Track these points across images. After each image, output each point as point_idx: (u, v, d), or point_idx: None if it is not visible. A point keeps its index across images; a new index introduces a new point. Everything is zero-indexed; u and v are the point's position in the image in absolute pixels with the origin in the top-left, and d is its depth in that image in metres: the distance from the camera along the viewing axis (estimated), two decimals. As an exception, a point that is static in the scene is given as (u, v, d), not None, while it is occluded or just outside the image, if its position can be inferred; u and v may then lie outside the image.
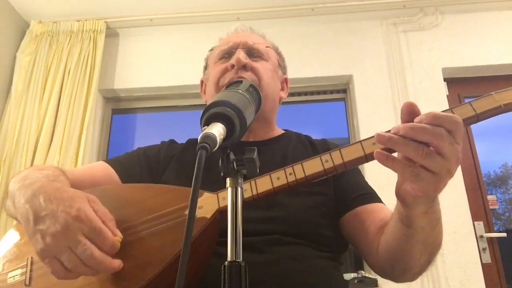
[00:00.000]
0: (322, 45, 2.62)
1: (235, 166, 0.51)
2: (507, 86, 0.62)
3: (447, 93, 2.48)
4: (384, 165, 0.56)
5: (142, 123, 2.91)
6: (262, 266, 0.72)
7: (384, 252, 0.75)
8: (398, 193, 0.60)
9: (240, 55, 0.94)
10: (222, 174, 0.51)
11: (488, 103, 0.60)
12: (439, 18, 2.60)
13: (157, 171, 0.94)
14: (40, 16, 2.70)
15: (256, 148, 0.53)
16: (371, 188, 0.93)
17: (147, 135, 2.88)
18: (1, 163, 2.32)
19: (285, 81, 1.10)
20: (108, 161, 0.94)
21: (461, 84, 2.54)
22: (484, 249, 2.19)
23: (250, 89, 0.60)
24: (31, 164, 2.30)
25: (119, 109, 2.79)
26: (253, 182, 0.68)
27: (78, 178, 0.83)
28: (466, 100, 2.56)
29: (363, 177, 0.97)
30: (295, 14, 2.66)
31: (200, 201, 0.68)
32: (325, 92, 2.71)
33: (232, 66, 0.94)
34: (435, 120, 0.51)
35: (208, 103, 0.51)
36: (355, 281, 1.83)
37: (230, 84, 0.64)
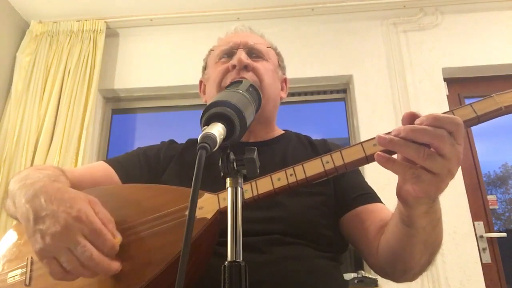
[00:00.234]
0: (322, 45, 2.62)
1: (235, 166, 0.50)
2: (507, 86, 0.62)
3: (447, 93, 2.48)
4: (385, 167, 0.56)
5: (142, 123, 2.91)
6: (262, 266, 0.72)
7: (384, 252, 0.75)
8: (400, 194, 0.60)
9: (242, 55, 0.94)
10: (222, 174, 0.51)
11: (489, 105, 0.60)
12: (439, 18, 2.60)
13: (157, 171, 0.94)
14: (40, 16, 2.70)
15: (256, 148, 0.53)
16: (371, 188, 0.93)
17: (147, 135, 2.88)
18: (1, 163, 2.32)
19: (285, 81, 1.10)
20: (108, 161, 0.94)
21: (461, 84, 2.54)
22: (484, 249, 2.19)
23: (250, 89, 0.60)
24: (31, 164, 2.30)
25: (119, 109, 2.79)
26: (253, 183, 0.68)
27: (78, 178, 0.83)
28: (466, 100, 2.56)
29: (363, 177, 0.97)
30: (295, 14, 2.66)
31: (201, 201, 0.68)
32: (325, 92, 2.71)
33: (234, 66, 0.94)
34: (435, 122, 0.51)
35: (208, 103, 0.51)
36: (355, 281, 1.83)
37: (230, 84, 0.64)
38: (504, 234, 2.23)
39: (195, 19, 2.68)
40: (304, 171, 0.66)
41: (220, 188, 0.66)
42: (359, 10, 2.63)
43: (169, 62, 2.64)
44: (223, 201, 0.67)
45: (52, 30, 2.65)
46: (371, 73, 2.52)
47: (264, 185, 0.67)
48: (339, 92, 2.70)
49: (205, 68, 1.09)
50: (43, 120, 2.41)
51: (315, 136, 1.05)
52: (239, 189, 0.49)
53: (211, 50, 1.08)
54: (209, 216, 0.66)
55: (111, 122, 2.74)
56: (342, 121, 2.64)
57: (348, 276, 1.87)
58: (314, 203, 0.84)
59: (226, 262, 0.45)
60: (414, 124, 0.53)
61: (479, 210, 2.27)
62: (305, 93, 2.69)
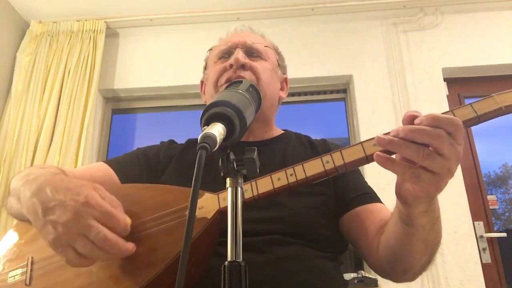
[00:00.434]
0: (322, 45, 2.62)
1: (235, 166, 0.51)
2: (507, 86, 0.62)
3: (447, 93, 2.48)
4: (384, 167, 0.56)
5: (142, 123, 2.91)
6: (262, 266, 0.72)
7: (384, 251, 0.75)
8: (399, 193, 0.60)
9: (239, 54, 0.95)
10: (222, 174, 0.51)
11: (489, 104, 0.60)
12: (439, 18, 2.60)
13: (157, 171, 0.94)
14: (40, 16, 2.70)
15: (256, 148, 0.53)
16: (371, 188, 0.93)
17: (147, 135, 2.88)
18: (1, 163, 2.32)
19: (285, 81, 1.10)
20: (107, 161, 0.94)
21: (461, 84, 2.55)
22: (484, 249, 2.19)
23: (250, 89, 0.60)
24: (31, 164, 2.30)
25: (119, 109, 2.79)
26: (253, 183, 0.68)
27: (78, 179, 0.83)
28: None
29: (362, 177, 0.97)
30: (295, 14, 2.66)
31: (201, 201, 0.68)
32: (325, 92, 2.71)
33: (231, 65, 0.94)
34: (434, 122, 0.52)
35: (208, 103, 0.51)
36: (355, 281, 1.83)
37: (230, 84, 0.64)
38: (504, 234, 2.23)
39: (195, 19, 2.68)
40: (304, 171, 0.66)
41: (220, 188, 0.66)
42: (359, 10, 2.63)
43: (169, 62, 2.64)
44: (223, 201, 0.67)
45: (52, 30, 2.65)
46: (371, 73, 2.52)
47: (264, 185, 0.67)
48: (339, 92, 2.70)
49: (205, 68, 1.10)
50: (43, 120, 2.41)
51: (315, 136, 1.05)
52: (239, 189, 0.49)
53: (210, 50, 1.08)
54: (209, 216, 0.66)
55: (111, 122, 2.74)
56: (342, 121, 2.64)
57: (348, 276, 1.87)
58: (314, 203, 0.84)
59: (226, 262, 0.45)
60: (414, 124, 0.53)
61: (479, 210, 2.27)
62: (305, 93, 2.69)
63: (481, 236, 2.21)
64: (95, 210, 0.59)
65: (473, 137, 2.42)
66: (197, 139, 0.44)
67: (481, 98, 0.61)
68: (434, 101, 2.40)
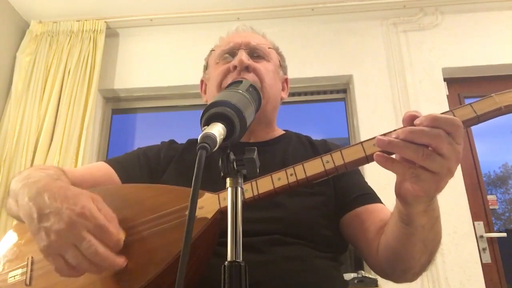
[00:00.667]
0: (322, 45, 2.62)
1: (235, 166, 0.51)
2: (507, 86, 0.62)
3: (447, 93, 2.48)
4: (384, 167, 0.56)
5: (142, 123, 2.91)
6: (262, 266, 0.72)
7: (384, 252, 0.75)
8: (399, 193, 0.60)
9: (243, 56, 0.94)
10: (222, 174, 0.51)
11: (489, 104, 0.60)
12: (439, 18, 2.60)
13: (157, 171, 0.94)
14: (40, 16, 2.70)
15: (256, 148, 0.53)
16: (371, 188, 0.93)
17: (147, 135, 2.88)
18: (1, 163, 2.32)
19: (286, 81, 1.10)
20: (108, 161, 0.94)
21: (461, 84, 2.55)
22: (484, 249, 2.19)
23: (250, 89, 0.60)
24: (31, 164, 2.30)
25: (119, 109, 2.79)
26: (254, 183, 0.68)
27: (79, 178, 0.83)
28: (466, 100, 2.55)
29: (363, 178, 0.97)
30: (295, 14, 2.66)
31: (201, 201, 0.68)
32: (325, 92, 2.71)
33: (235, 67, 0.94)
34: (434, 122, 0.52)
35: (208, 103, 0.51)
36: (355, 281, 1.83)
37: (230, 84, 0.64)
38: (504, 234, 2.23)
39: (195, 19, 2.68)
40: (304, 170, 0.66)
41: (221, 188, 0.66)
42: (359, 10, 2.63)
43: (169, 62, 2.64)
44: (224, 201, 0.67)
45: (52, 30, 2.65)
46: (371, 73, 2.52)
47: (265, 184, 0.67)
48: (339, 92, 2.70)
49: (206, 67, 1.09)
50: (43, 120, 2.41)
51: (315, 136, 1.05)
52: (239, 189, 0.49)
53: (212, 50, 1.08)
54: (209, 216, 0.66)
55: (111, 122, 2.74)
56: (342, 121, 2.64)
57: (348, 276, 1.87)
58: (314, 203, 0.84)
59: (226, 262, 0.45)
60: (413, 123, 0.54)
61: (479, 210, 2.27)
62: (305, 93, 2.69)
63: (481, 236, 2.21)
64: (89, 222, 0.59)
65: (473, 137, 2.42)
66: (197, 139, 0.44)
67: (481, 98, 0.61)
68: (434, 101, 2.40)
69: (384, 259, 0.75)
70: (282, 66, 1.08)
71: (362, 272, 1.89)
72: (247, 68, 0.94)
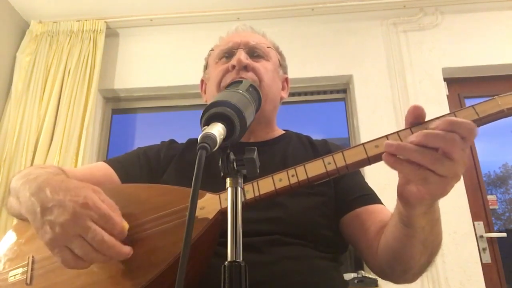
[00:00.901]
0: (322, 45, 2.62)
1: (235, 166, 0.51)
2: (508, 86, 0.62)
3: (447, 93, 2.48)
4: (392, 167, 0.56)
5: (142, 123, 2.91)
6: (262, 266, 0.72)
7: (384, 252, 0.75)
8: (402, 194, 0.60)
9: (241, 55, 0.94)
10: (222, 174, 0.51)
11: (491, 107, 0.60)
12: (439, 18, 2.60)
13: (157, 171, 0.94)
14: (40, 16, 2.70)
15: (256, 148, 0.53)
16: (371, 189, 0.93)
17: (147, 135, 2.88)
18: (1, 163, 2.32)
19: (286, 80, 1.10)
20: (108, 161, 0.94)
21: (461, 84, 2.54)
22: (484, 249, 2.19)
23: (250, 89, 0.60)
24: (31, 164, 2.30)
25: (119, 109, 2.79)
26: (255, 184, 0.68)
27: (79, 178, 0.83)
28: (466, 100, 2.54)
29: (363, 178, 0.97)
30: (295, 14, 2.66)
31: (202, 202, 0.68)
32: (325, 92, 2.71)
33: (233, 66, 0.94)
34: (450, 126, 0.52)
35: (208, 103, 0.51)
36: (355, 281, 1.83)
37: (230, 84, 0.64)
38: (504, 234, 2.23)
39: (195, 19, 2.68)
40: (305, 172, 0.66)
41: (222, 188, 0.66)
42: (359, 10, 2.63)
43: (169, 62, 2.64)
44: (225, 201, 0.67)
45: (52, 30, 2.65)
46: (371, 73, 2.52)
47: (266, 185, 0.67)
48: (339, 92, 2.70)
49: (206, 67, 1.09)
50: (43, 120, 2.41)
51: (315, 136, 1.05)
52: (239, 189, 0.49)
53: (212, 50, 1.08)
54: (210, 216, 0.66)
55: (111, 122, 2.74)
56: (342, 121, 2.64)
57: (348, 276, 1.87)
58: (315, 203, 0.84)
59: (226, 262, 0.45)
60: (421, 125, 0.55)
61: (479, 210, 2.27)
62: (305, 93, 2.69)
63: (481, 236, 2.21)
64: (93, 212, 0.59)
65: (473, 137, 2.42)
66: (197, 139, 0.44)
67: (483, 100, 0.60)
68: (434, 101, 2.40)
69: (384, 259, 0.75)
70: (282, 65, 1.08)
71: (362, 272, 1.89)
72: (245, 68, 0.94)
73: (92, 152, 2.52)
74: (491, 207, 2.32)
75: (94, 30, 2.62)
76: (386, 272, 0.79)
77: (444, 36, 2.55)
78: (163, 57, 2.66)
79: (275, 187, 0.66)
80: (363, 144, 0.63)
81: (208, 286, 0.62)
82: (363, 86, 2.50)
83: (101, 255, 0.59)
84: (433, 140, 0.52)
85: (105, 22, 2.66)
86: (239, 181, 0.50)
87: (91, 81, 2.50)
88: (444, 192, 0.55)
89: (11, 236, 0.79)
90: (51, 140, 2.37)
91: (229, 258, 0.45)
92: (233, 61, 0.94)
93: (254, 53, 0.99)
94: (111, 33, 2.72)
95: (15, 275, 0.72)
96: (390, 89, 2.46)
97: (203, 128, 0.47)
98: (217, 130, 0.46)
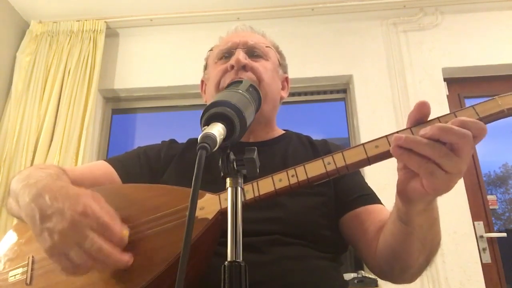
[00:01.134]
0: (322, 45, 2.62)
1: (235, 166, 0.51)
2: (508, 86, 0.62)
3: (447, 93, 2.48)
4: (400, 159, 0.57)
5: (142, 123, 2.91)
6: (262, 266, 0.72)
7: (383, 251, 0.75)
8: (404, 190, 0.60)
9: (240, 55, 0.94)
10: (222, 174, 0.51)
11: (492, 107, 0.60)
12: (439, 18, 2.60)
13: (157, 170, 0.94)
14: (40, 16, 2.70)
15: (256, 148, 0.53)
16: (371, 189, 0.93)
17: (147, 135, 2.88)
18: (1, 163, 2.32)
19: (286, 80, 1.10)
20: (108, 160, 0.94)
21: (461, 84, 2.54)
22: (484, 249, 2.19)
23: (250, 89, 0.60)
24: (31, 164, 2.30)
25: (119, 109, 2.79)
26: (255, 184, 0.68)
27: (79, 177, 0.83)
28: (466, 100, 2.53)
29: (363, 178, 0.97)
30: (295, 14, 2.66)
31: (202, 202, 0.68)
32: (325, 92, 2.71)
33: (232, 66, 0.94)
34: (463, 125, 0.53)
35: (208, 103, 0.51)
36: (355, 281, 1.83)
37: (230, 84, 0.64)
38: (504, 234, 2.23)
39: (195, 19, 2.68)
40: (305, 172, 0.66)
41: (222, 189, 0.66)
42: (359, 10, 2.63)
43: (169, 62, 2.64)
44: (225, 201, 0.67)
45: (52, 30, 2.65)
46: (371, 73, 2.52)
47: (266, 185, 0.67)
48: (339, 92, 2.70)
49: (206, 67, 1.09)
50: (43, 120, 2.41)
51: (315, 136, 1.05)
52: (239, 189, 0.49)
53: (211, 50, 1.08)
54: (210, 216, 0.66)
55: (111, 122, 2.74)
56: (342, 121, 2.64)
57: (348, 276, 1.87)
58: (314, 203, 0.84)
59: (226, 262, 0.45)
60: (424, 121, 0.56)
61: (479, 210, 2.27)
62: (305, 93, 2.69)
63: (481, 236, 2.21)
64: (92, 220, 0.59)
65: (473, 137, 2.42)
66: (198, 139, 0.44)
67: (483, 100, 0.61)
68: (434, 101, 2.39)
69: (383, 258, 0.75)
70: (282, 65, 1.08)
71: (362, 272, 1.89)
72: (244, 67, 0.94)
73: (92, 152, 2.52)
74: (491, 207, 2.32)
75: (94, 30, 2.62)
76: (385, 272, 0.79)
77: (444, 36, 2.55)
78: (163, 57, 2.66)
79: (275, 187, 0.66)
80: (363, 144, 0.63)
81: (208, 286, 0.62)
82: (363, 86, 2.50)
83: (99, 264, 0.59)
84: (447, 134, 0.53)
85: (105, 22, 2.66)
86: (239, 181, 0.50)
87: (91, 81, 2.50)
88: (447, 188, 0.56)
89: (11, 236, 0.79)
90: (51, 140, 2.38)
91: (229, 258, 0.45)
92: (232, 61, 0.94)
93: (253, 52, 0.99)
94: (111, 33, 2.72)
95: (15, 275, 0.72)
96: (390, 89, 2.46)
97: (203, 128, 0.47)
98: (217, 130, 0.46)
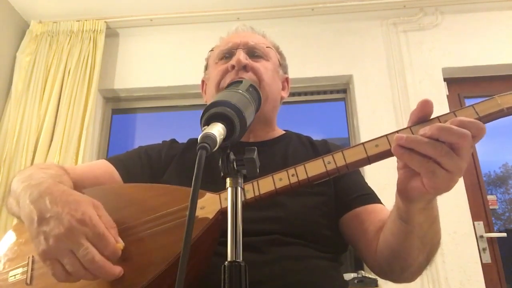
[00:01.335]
0: (322, 45, 2.62)
1: (235, 166, 0.51)
2: (508, 86, 0.62)
3: (447, 93, 2.48)
4: (402, 159, 0.57)
5: (142, 123, 2.91)
6: (262, 266, 0.73)
7: (383, 250, 0.75)
8: (404, 189, 0.60)
9: (240, 55, 0.94)
10: (222, 174, 0.51)
11: (491, 106, 0.60)
12: (439, 18, 2.60)
13: (158, 170, 0.94)
14: (40, 16, 2.70)
15: (256, 148, 0.53)
16: (371, 188, 0.93)
17: (147, 135, 2.88)
18: (1, 163, 2.32)
19: (286, 80, 1.10)
20: (109, 159, 0.94)
21: (461, 84, 2.54)
22: (484, 249, 2.19)
23: (250, 89, 0.60)
24: (31, 164, 2.30)
25: (119, 109, 2.79)
26: (255, 183, 0.68)
27: (80, 176, 0.83)
28: (466, 100, 2.53)
29: (363, 178, 0.97)
30: (295, 14, 2.66)
31: (202, 201, 0.68)
32: (325, 92, 2.71)
33: (233, 67, 0.94)
34: (462, 125, 0.54)
35: (208, 103, 0.51)
36: (355, 281, 1.83)
37: (230, 84, 0.64)
38: (504, 234, 2.23)
39: (195, 19, 2.68)
40: (306, 171, 0.66)
41: (222, 188, 0.66)
42: (359, 10, 2.63)
43: (169, 62, 2.64)
44: (225, 201, 0.67)
45: (52, 30, 2.65)
46: (371, 73, 2.52)
47: (266, 185, 0.67)
48: (339, 92, 2.70)
49: (206, 67, 1.10)
50: (43, 120, 2.41)
51: (315, 136, 1.05)
52: (239, 189, 0.49)
53: (211, 50, 1.08)
54: (210, 216, 0.66)
55: (111, 122, 2.74)
56: (342, 121, 2.64)
57: (348, 276, 1.87)
58: (315, 203, 0.84)
59: (226, 262, 0.45)
60: (426, 119, 0.57)
61: (479, 210, 2.27)
62: (305, 93, 2.69)
63: (481, 236, 2.21)
64: (89, 229, 0.59)
65: (473, 137, 2.42)
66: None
67: (483, 100, 0.61)
68: (434, 101, 2.31)
69: (383, 257, 0.76)
70: (282, 65, 1.08)
71: (362, 272, 1.89)
72: (245, 68, 0.94)
73: (92, 152, 2.52)
74: (491, 207, 2.32)
75: (94, 30, 2.62)
76: (385, 271, 0.79)
77: (444, 36, 2.55)
78: (163, 57, 2.66)
79: (275, 187, 0.66)
80: (363, 143, 0.64)
81: (208, 285, 0.62)
82: (363, 86, 2.50)
83: (90, 274, 0.59)
84: (446, 134, 0.53)
85: (105, 22, 2.66)
86: (239, 181, 0.50)
87: (91, 81, 2.50)
88: (448, 187, 0.56)
89: (11, 236, 0.79)
90: (51, 140, 2.37)
91: (229, 258, 0.45)
92: (233, 61, 0.94)
93: (253, 53, 0.99)
94: (111, 33, 2.72)
95: (15, 275, 0.72)
96: (390, 89, 2.46)
97: (203, 128, 0.47)
98: (217, 130, 0.46)
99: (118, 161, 0.93)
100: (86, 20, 2.65)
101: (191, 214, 0.40)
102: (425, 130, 0.54)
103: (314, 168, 0.65)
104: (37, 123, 2.39)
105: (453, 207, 2.12)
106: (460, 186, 2.20)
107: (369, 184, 0.95)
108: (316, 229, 0.82)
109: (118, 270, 0.61)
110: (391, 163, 0.63)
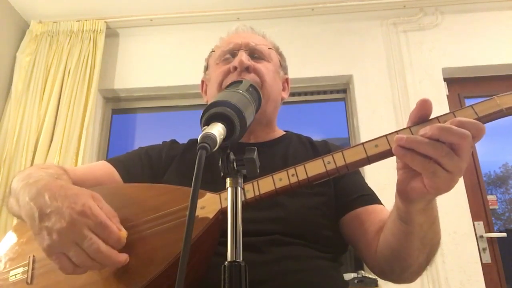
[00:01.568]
0: (322, 45, 2.62)
1: (235, 166, 0.51)
2: (507, 86, 0.62)
3: (447, 93, 2.48)
4: (403, 160, 0.57)
5: (142, 123, 2.91)
6: (262, 266, 0.73)
7: (383, 250, 0.75)
8: (404, 190, 0.60)
9: (243, 57, 0.94)
10: (222, 174, 0.51)
11: (490, 106, 0.60)
12: (439, 18, 2.60)
13: (158, 171, 0.94)
14: (40, 16, 2.70)
15: (256, 148, 0.53)
16: (371, 189, 0.93)
17: (147, 135, 2.88)
18: (1, 163, 2.32)
19: (286, 81, 1.10)
20: (109, 160, 0.95)
21: (461, 84, 2.55)
22: (484, 249, 2.19)
23: (250, 89, 0.60)
24: (31, 164, 2.30)
25: (119, 109, 2.79)
26: (255, 183, 0.68)
27: (80, 177, 0.83)
28: (466, 100, 2.53)
29: (363, 178, 0.97)
30: (295, 14, 2.66)
31: (203, 201, 0.68)
32: (325, 92, 2.71)
33: (235, 68, 0.94)
34: (461, 125, 0.54)
35: (208, 103, 0.51)
36: (355, 281, 1.83)
37: (230, 84, 0.64)
38: (504, 234, 2.23)
39: (195, 19, 2.68)
40: (305, 171, 0.66)
41: (222, 188, 0.66)
42: (359, 10, 2.63)
43: (169, 62, 2.64)
44: (225, 200, 0.67)
45: (52, 30, 2.65)
46: (371, 73, 2.52)
47: (266, 185, 0.67)
48: (339, 92, 2.70)
49: (206, 68, 1.10)
50: (43, 120, 2.41)
51: (315, 136, 1.05)
52: (239, 189, 0.49)
53: (212, 51, 1.08)
54: (210, 215, 0.66)
55: (111, 122, 2.74)
56: (342, 121, 2.64)
57: (348, 276, 1.87)
58: (315, 203, 0.84)
59: (226, 262, 0.45)
60: (426, 119, 0.57)
61: (479, 210, 2.27)
62: (305, 93, 2.69)
63: (481, 236, 2.21)
64: (90, 220, 0.59)
65: (473, 137, 2.42)
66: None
67: (482, 100, 0.61)
68: (434, 101, 2.32)
69: (383, 258, 0.76)
70: (283, 66, 1.08)
71: (362, 272, 1.89)
72: (247, 69, 0.94)
73: (92, 152, 2.52)
74: (491, 207, 2.32)
75: (94, 30, 2.62)
76: (385, 271, 0.79)
77: (444, 36, 2.55)
78: (163, 57, 2.66)
79: (275, 187, 0.66)
80: (362, 143, 0.64)
81: (208, 285, 0.62)
82: (363, 86, 2.50)
83: (97, 263, 0.59)
84: (447, 134, 0.53)
85: (105, 22, 2.66)
86: (239, 181, 0.50)
87: (91, 81, 2.50)
88: (449, 187, 0.56)
89: (11, 236, 0.79)
90: (51, 140, 2.38)
91: (229, 258, 0.45)
92: (235, 62, 0.94)
93: (255, 54, 0.99)
94: (111, 33, 2.72)
95: (15, 274, 0.72)
96: (390, 89, 2.46)
97: (203, 128, 0.47)
98: (217, 130, 0.46)
99: (118, 162, 0.93)
100: (86, 20, 2.65)
101: (191, 214, 0.40)
102: (425, 130, 0.54)
103: (314, 168, 0.65)
104: (37, 123, 2.39)
105: (453, 207, 2.12)
106: (460, 186, 2.20)
107: (369, 184, 0.95)
108: (316, 229, 0.82)
109: (124, 257, 0.62)
110: (391, 163, 0.64)
